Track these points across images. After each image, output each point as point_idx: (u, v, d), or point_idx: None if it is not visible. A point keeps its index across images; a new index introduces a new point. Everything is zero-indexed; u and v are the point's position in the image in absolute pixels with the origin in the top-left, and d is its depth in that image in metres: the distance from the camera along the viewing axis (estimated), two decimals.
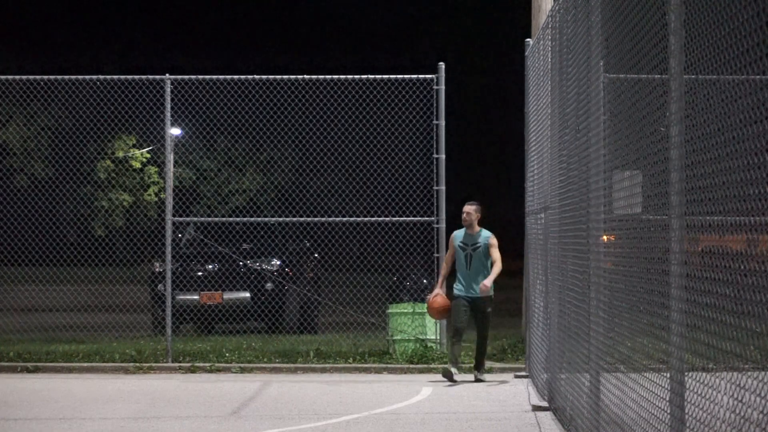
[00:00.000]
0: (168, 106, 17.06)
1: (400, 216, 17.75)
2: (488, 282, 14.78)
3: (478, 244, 15.00)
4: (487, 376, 15.19)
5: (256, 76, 17.44)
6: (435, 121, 17.07)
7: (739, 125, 5.00)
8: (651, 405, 6.69)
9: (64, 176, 20.82)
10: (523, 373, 15.56)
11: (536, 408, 12.58)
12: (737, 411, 5.00)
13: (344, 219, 18.32)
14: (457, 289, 15.03)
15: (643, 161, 7.15)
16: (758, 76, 4.71)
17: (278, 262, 20.83)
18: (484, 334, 15.08)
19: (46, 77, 17.49)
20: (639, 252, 7.38)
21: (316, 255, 22.65)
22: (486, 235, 15.04)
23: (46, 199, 19.73)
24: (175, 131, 20.11)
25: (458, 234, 15.20)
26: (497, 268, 14.97)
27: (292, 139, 20.81)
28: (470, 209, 15.16)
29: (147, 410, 12.78)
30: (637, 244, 7.49)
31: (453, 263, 15.31)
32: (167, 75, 17.14)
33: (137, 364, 16.59)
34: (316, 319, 21.54)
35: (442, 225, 16.88)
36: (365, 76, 17.38)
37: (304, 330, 20.74)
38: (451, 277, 15.38)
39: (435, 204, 17.10)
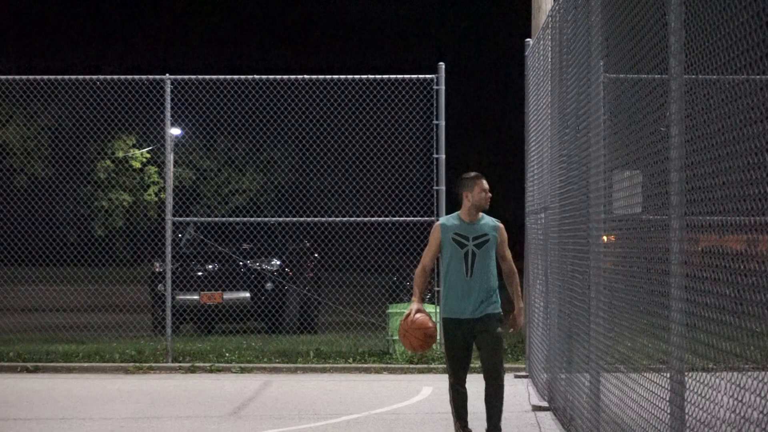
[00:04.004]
0: (168, 106, 17.06)
1: (400, 216, 17.75)
2: (521, 317, 10.07)
3: (485, 237, 9.88)
4: None
5: (256, 76, 17.43)
6: (435, 121, 17.07)
7: (739, 125, 5.00)
8: (651, 405, 6.69)
9: (64, 176, 20.82)
10: (523, 373, 15.56)
11: (536, 408, 12.58)
12: (737, 411, 5.00)
13: (344, 219, 18.32)
14: (449, 309, 9.92)
15: (643, 161, 7.15)
16: (758, 76, 4.71)
17: (278, 262, 20.83)
18: (498, 370, 9.81)
19: (46, 77, 17.48)
20: (639, 252, 7.38)
21: (316, 255, 22.66)
22: (492, 224, 9.98)
23: (46, 199, 19.73)
24: (175, 131, 20.11)
25: (449, 222, 10.02)
26: (516, 278, 10.11)
27: (292, 139, 20.81)
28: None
29: (147, 410, 12.78)
30: (637, 244, 7.49)
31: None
32: (167, 75, 17.14)
33: (137, 364, 16.59)
34: (316, 319, 21.55)
35: None
36: (365, 76, 17.38)
37: (304, 330, 20.75)
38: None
39: (435, 204, 17.09)
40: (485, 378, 9.84)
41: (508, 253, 10.05)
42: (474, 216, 9.93)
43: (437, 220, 16.88)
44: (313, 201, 23.30)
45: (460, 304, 9.81)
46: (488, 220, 9.99)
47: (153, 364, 16.65)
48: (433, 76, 17.16)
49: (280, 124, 19.01)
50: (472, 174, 10.03)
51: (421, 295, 10.02)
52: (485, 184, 9.97)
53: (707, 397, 5.47)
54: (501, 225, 10.01)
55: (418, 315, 9.87)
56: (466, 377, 9.91)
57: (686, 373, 6.02)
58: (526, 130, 15.71)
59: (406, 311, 9.93)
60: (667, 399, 6.26)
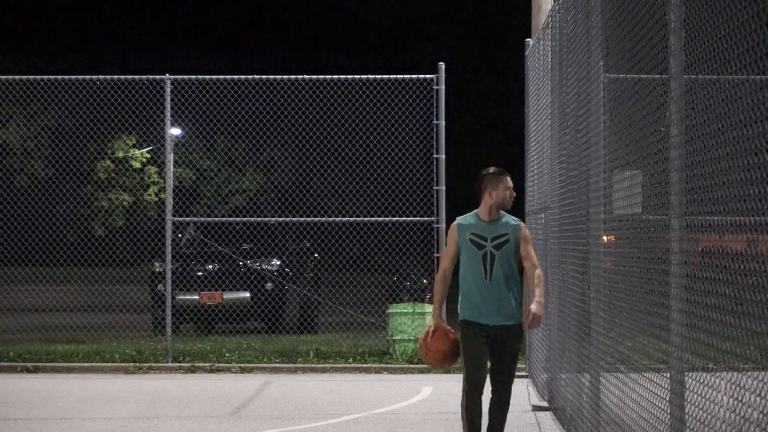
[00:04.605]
0: (168, 106, 17.06)
1: (400, 216, 17.75)
2: (539, 309, 8.95)
3: (505, 236, 9.06)
4: None
5: (256, 76, 17.44)
6: (435, 121, 17.06)
7: (739, 125, 5.00)
8: (651, 405, 6.69)
9: (64, 176, 20.83)
10: (523, 373, 15.55)
11: (536, 408, 12.58)
12: (737, 411, 5.00)
13: (344, 219, 18.32)
14: (467, 314, 9.01)
15: (643, 161, 7.15)
16: (758, 76, 4.71)
17: (278, 262, 20.84)
18: (507, 389, 9.08)
19: (46, 77, 17.48)
20: (639, 252, 7.38)
21: (316, 255, 22.66)
22: (514, 224, 9.14)
23: (46, 199, 19.73)
24: (175, 131, 20.11)
25: (466, 222, 9.15)
26: (540, 278, 9.11)
27: (292, 139, 20.81)
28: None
29: (147, 410, 12.77)
30: (637, 244, 7.49)
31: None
32: (167, 75, 17.14)
33: (137, 364, 16.59)
34: (316, 319, 21.55)
35: (442, 225, 16.86)
36: (365, 76, 17.38)
37: (304, 330, 20.76)
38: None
39: (435, 204, 17.09)
40: (492, 393, 9.10)
41: (533, 252, 9.14)
42: (494, 215, 9.07)
43: (437, 220, 16.90)
44: (314, 201, 23.29)
45: (478, 309, 8.94)
46: (509, 219, 9.13)
47: (153, 364, 16.65)
48: (433, 76, 17.16)
49: (280, 124, 19.01)
50: (497, 170, 9.17)
51: (441, 306, 9.14)
52: (510, 181, 9.16)
53: (707, 397, 5.47)
54: (522, 224, 9.17)
55: (436, 335, 9.06)
56: (483, 388, 8.97)
57: (686, 373, 6.02)
58: (526, 130, 15.71)
59: (425, 329, 9.19)
60: (667, 399, 6.26)
